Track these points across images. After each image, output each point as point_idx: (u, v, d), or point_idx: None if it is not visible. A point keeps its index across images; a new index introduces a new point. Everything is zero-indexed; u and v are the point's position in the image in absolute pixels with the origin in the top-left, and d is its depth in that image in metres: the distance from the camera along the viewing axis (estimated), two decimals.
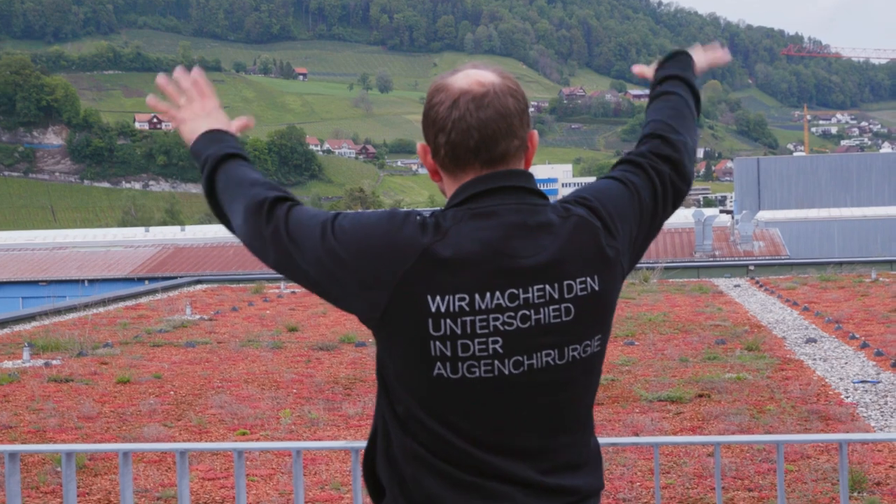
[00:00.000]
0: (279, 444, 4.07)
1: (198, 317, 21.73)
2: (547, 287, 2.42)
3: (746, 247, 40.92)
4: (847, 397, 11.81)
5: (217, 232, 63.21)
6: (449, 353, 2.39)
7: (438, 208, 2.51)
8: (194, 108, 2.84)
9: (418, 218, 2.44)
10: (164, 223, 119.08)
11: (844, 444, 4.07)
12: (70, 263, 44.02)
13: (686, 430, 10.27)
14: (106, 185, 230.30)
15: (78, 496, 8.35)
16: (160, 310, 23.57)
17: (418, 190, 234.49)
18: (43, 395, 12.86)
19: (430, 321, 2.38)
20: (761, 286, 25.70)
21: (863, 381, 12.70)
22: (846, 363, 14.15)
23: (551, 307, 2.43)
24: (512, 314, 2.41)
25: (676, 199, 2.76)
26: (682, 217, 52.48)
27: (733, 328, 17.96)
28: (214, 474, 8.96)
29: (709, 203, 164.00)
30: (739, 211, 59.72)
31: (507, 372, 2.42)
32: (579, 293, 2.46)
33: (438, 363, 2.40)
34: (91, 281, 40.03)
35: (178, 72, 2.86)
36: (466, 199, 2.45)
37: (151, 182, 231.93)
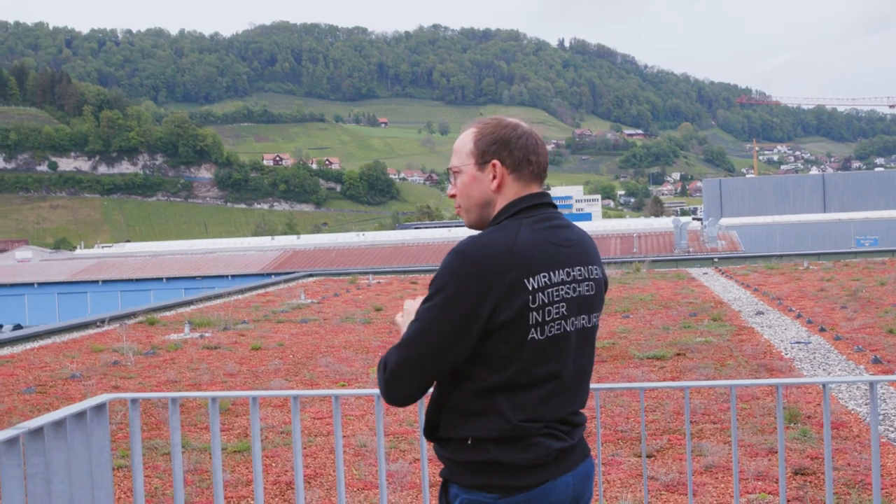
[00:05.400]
0: (365, 391, 4.08)
1: (309, 301, 21.84)
2: (582, 268, 2.42)
3: (712, 245, 40.58)
4: (786, 354, 11.69)
5: (324, 239, 63.57)
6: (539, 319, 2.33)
7: (509, 218, 2.40)
8: None
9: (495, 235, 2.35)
10: (285, 233, 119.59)
11: (780, 386, 4.06)
12: (218, 263, 44.44)
13: (667, 378, 10.21)
14: (243, 206, 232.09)
15: (221, 431, 8.46)
16: (282, 296, 23.74)
17: None
18: (198, 359, 13.02)
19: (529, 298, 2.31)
20: (723, 273, 25.46)
21: (798, 342, 12.57)
22: (785, 329, 13.99)
23: (584, 284, 2.42)
24: (569, 287, 2.38)
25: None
26: (664, 223, 52.06)
27: (702, 304, 17.82)
28: (321, 415, 9.00)
29: (684, 213, 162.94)
30: (707, 218, 59.14)
31: (569, 329, 2.39)
32: (594, 276, 2.48)
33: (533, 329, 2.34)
34: (233, 276, 40.47)
35: None
36: (531, 206, 2.40)
37: (276, 203, 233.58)
